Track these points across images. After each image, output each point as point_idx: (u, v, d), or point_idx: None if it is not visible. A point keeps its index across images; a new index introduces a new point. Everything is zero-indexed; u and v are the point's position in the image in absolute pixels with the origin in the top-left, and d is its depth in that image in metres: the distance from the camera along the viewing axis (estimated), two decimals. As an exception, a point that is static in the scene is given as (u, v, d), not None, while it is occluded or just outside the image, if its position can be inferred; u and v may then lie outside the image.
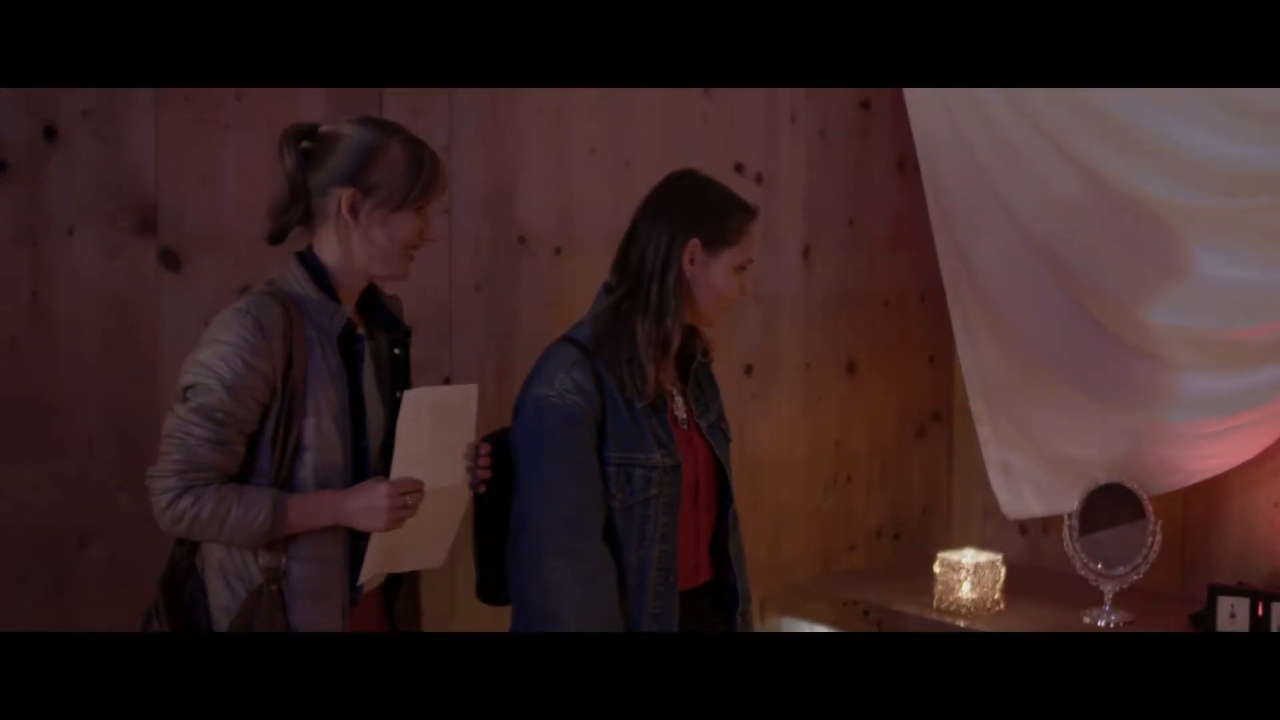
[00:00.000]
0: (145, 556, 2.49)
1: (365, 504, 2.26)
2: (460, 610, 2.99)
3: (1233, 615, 3.18)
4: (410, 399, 2.29)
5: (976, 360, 3.70)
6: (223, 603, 2.29)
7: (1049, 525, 3.77)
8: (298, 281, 2.33)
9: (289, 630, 2.27)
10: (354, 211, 2.30)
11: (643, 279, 2.59)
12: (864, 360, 3.89)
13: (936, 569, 3.46)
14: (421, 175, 2.34)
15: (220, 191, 2.78)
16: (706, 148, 3.46)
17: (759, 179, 3.61)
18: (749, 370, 3.62)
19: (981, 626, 3.31)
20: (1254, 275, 3.02)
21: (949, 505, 4.09)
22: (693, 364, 2.72)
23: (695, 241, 2.58)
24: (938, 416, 4.07)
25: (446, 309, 3.09)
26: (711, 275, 2.61)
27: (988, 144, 3.42)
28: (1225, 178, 2.97)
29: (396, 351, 2.46)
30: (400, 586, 2.51)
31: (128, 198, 2.66)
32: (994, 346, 3.64)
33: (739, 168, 3.56)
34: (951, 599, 3.43)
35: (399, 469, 2.28)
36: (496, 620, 2.68)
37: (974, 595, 3.41)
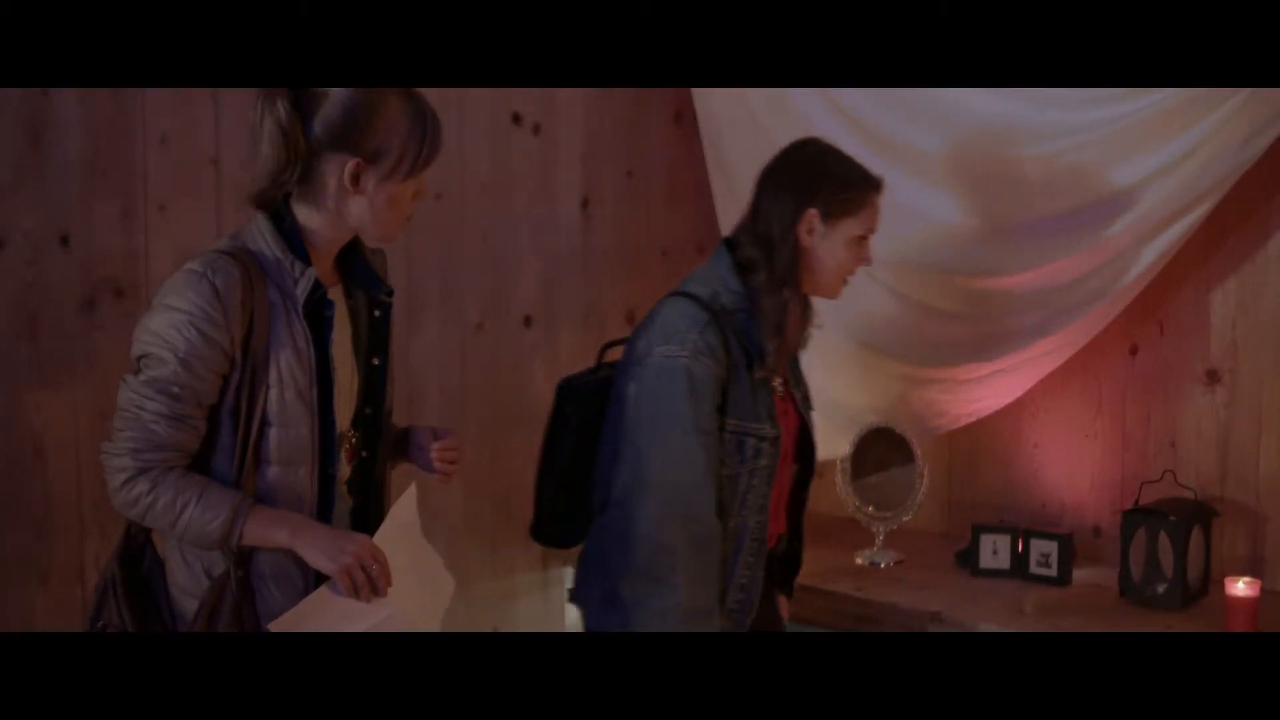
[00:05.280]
0: None
1: (327, 550, 2.04)
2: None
3: (995, 552, 3.32)
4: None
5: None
6: (180, 581, 2.11)
7: (823, 470, 3.85)
8: (264, 239, 2.10)
9: (256, 616, 2.08)
10: (356, 180, 2.09)
11: (766, 250, 2.52)
12: (644, 311, 3.80)
13: (716, 516, 3.52)
14: (425, 139, 2.12)
15: None
16: (482, 97, 3.41)
17: (536, 130, 3.57)
18: (528, 322, 3.60)
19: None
20: (1009, 224, 3.14)
21: (728, 453, 4.14)
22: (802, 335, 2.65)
23: (814, 212, 2.52)
24: (716, 366, 4.11)
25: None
26: (831, 246, 2.55)
27: (763, 100, 3.46)
28: (998, 133, 3.08)
29: (376, 314, 2.25)
30: None
31: None
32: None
33: (516, 118, 3.52)
34: (730, 545, 3.49)
35: (385, 538, 2.07)
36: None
37: (752, 540, 3.48)
